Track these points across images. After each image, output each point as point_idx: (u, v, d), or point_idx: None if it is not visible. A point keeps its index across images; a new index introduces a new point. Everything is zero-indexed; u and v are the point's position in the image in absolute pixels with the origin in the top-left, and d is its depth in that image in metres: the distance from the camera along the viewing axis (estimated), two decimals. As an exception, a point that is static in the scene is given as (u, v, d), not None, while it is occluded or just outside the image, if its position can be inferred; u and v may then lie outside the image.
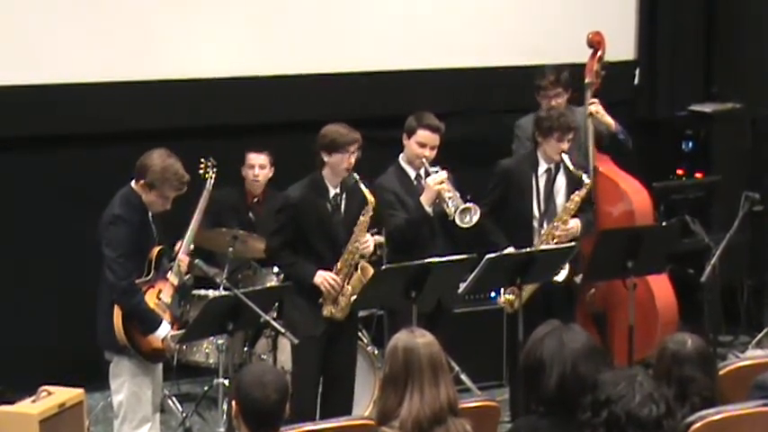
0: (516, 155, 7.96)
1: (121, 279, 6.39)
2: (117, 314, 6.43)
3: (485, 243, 7.30)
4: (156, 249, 6.57)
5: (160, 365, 6.81)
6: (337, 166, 6.87)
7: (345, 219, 6.95)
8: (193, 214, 7.00)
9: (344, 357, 7.12)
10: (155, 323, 6.50)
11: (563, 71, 8.09)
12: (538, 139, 7.48)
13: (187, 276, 6.85)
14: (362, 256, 6.93)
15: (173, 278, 6.67)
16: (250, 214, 8.29)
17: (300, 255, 6.93)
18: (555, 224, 7.41)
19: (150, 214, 6.57)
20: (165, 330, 6.52)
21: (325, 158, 6.88)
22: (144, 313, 6.47)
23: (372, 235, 7.01)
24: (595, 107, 8.24)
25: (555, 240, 7.38)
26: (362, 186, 6.83)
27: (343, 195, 6.97)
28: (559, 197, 7.50)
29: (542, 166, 7.50)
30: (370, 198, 6.83)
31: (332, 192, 6.95)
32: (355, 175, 6.83)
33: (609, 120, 8.25)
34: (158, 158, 6.46)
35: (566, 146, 7.40)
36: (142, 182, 6.47)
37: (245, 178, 8.28)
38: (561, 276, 7.38)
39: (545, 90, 8.02)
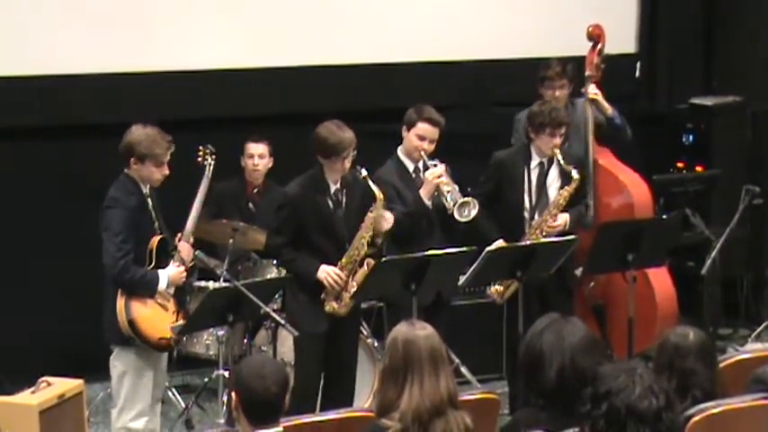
0: (511, 147, 7.96)
1: (118, 259, 6.37)
2: (120, 306, 6.44)
3: (478, 236, 7.30)
4: (157, 239, 6.57)
5: (165, 357, 6.81)
6: (333, 168, 6.85)
7: (347, 214, 6.94)
8: (194, 202, 7.00)
9: (346, 351, 7.11)
10: (153, 282, 6.50)
11: (568, 63, 8.12)
12: (530, 135, 7.50)
13: (191, 264, 6.86)
14: (367, 253, 6.92)
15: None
16: (250, 205, 8.29)
17: (302, 251, 6.90)
18: (544, 217, 7.42)
19: (150, 203, 6.58)
20: (165, 280, 6.53)
21: (321, 160, 6.86)
22: (141, 281, 6.47)
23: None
24: (593, 90, 8.24)
25: (543, 234, 7.38)
26: (370, 183, 6.80)
27: (344, 191, 6.94)
28: (551, 191, 7.51)
29: (535, 160, 7.52)
30: (379, 195, 6.81)
31: (332, 188, 6.92)
32: (363, 171, 6.80)
33: (606, 105, 8.27)
34: (137, 131, 6.54)
35: (558, 140, 7.41)
36: (133, 159, 6.50)
37: (245, 169, 8.27)
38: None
39: (551, 80, 8.03)
